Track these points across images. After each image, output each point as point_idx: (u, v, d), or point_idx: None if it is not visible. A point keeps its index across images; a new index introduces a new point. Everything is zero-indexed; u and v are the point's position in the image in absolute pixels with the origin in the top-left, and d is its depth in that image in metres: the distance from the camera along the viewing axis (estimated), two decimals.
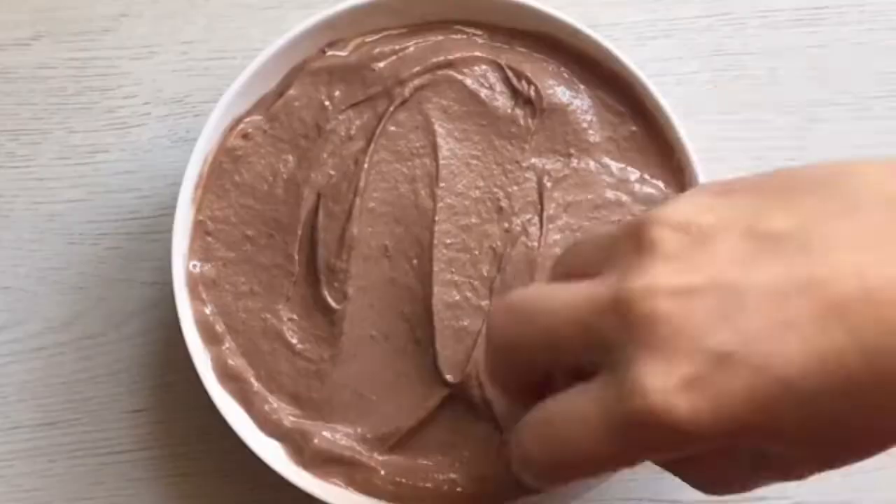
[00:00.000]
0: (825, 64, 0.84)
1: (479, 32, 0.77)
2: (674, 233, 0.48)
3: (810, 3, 0.84)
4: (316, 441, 0.73)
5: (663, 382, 0.44)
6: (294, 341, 0.74)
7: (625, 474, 0.73)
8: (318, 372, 0.74)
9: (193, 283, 0.74)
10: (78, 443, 0.80)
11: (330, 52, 0.76)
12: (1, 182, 0.82)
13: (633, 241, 0.49)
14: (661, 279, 0.46)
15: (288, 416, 0.74)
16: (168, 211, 0.77)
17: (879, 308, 0.44)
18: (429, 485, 0.73)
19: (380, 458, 0.74)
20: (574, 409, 0.49)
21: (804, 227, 0.46)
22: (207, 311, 0.74)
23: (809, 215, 0.46)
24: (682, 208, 0.49)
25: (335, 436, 0.74)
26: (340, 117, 0.75)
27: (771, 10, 0.84)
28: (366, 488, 0.73)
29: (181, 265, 0.73)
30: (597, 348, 0.48)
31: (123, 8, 0.83)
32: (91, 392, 0.80)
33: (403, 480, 0.73)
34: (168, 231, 0.72)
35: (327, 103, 0.75)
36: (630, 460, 0.49)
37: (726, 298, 0.45)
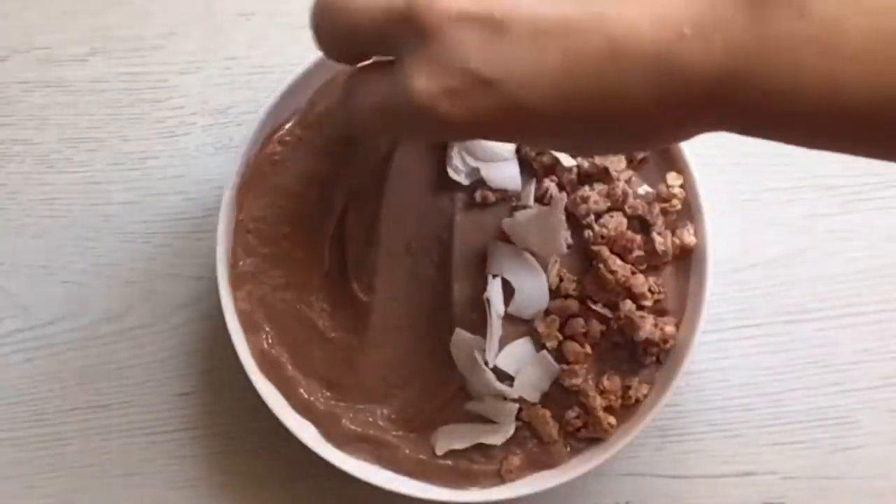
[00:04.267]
0: None
1: None
2: None
3: None
4: (345, 421, 0.76)
5: (428, 87, 0.50)
6: (326, 330, 0.77)
7: (625, 452, 0.76)
8: (348, 358, 0.77)
9: (235, 277, 0.76)
10: (130, 423, 0.83)
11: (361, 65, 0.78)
12: (61, 185, 0.84)
13: None
14: (444, 1, 0.50)
15: (320, 398, 0.77)
16: (212, 212, 0.81)
17: (619, 60, 0.49)
18: (448, 462, 0.77)
19: (404, 436, 0.77)
20: (368, 88, 0.56)
21: None
22: (247, 302, 0.77)
23: None
24: None
25: (363, 417, 0.77)
26: None
27: None
28: (391, 464, 0.76)
29: (224, 261, 0.76)
30: (388, 46, 0.53)
31: (172, 27, 0.86)
32: (142, 377, 0.83)
33: (424, 458, 0.77)
34: (212, 230, 0.76)
35: None
36: (393, 130, 0.63)
37: (493, 29, 0.50)
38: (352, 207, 0.77)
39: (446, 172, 0.76)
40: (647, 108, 0.50)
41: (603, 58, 0.49)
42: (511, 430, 0.76)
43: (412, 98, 0.51)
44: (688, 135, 0.53)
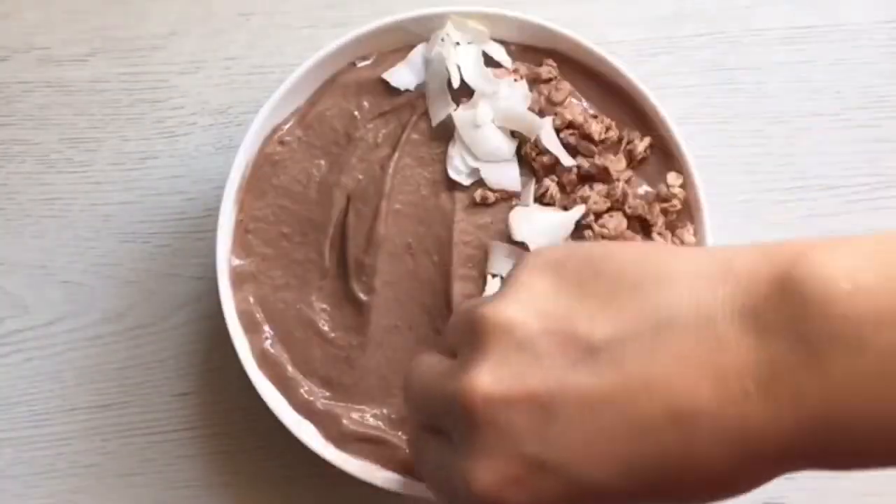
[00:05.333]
0: (812, 78, 0.86)
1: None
2: (501, 335, 0.50)
3: (799, 22, 0.86)
4: (345, 421, 0.76)
5: (489, 480, 0.49)
6: (326, 330, 0.77)
7: None
8: (348, 358, 0.77)
9: (235, 276, 0.76)
10: (130, 423, 0.83)
11: (360, 65, 0.78)
12: (61, 185, 0.85)
13: (468, 334, 0.52)
14: (486, 386, 0.49)
15: (320, 398, 0.77)
16: (212, 212, 0.81)
17: (681, 427, 0.46)
18: None
19: (403, 436, 0.76)
20: (433, 464, 0.55)
21: (619, 340, 0.48)
22: (248, 302, 0.77)
23: (625, 327, 0.48)
24: (511, 309, 0.51)
25: (363, 416, 0.77)
26: (368, 126, 0.78)
27: (762, 28, 0.86)
28: (391, 464, 0.76)
29: (224, 261, 0.75)
30: (445, 424, 0.53)
31: (172, 27, 0.86)
32: (142, 377, 0.83)
33: None
34: (212, 230, 0.75)
35: (356, 113, 0.78)
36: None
37: (541, 410, 0.48)
38: (352, 207, 0.77)
39: (446, 172, 0.77)
40: (719, 471, 0.47)
41: (661, 426, 0.47)
42: None
43: (469, 489, 0.50)
44: (763, 483, 0.50)
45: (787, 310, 0.45)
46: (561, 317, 0.50)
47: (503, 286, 0.54)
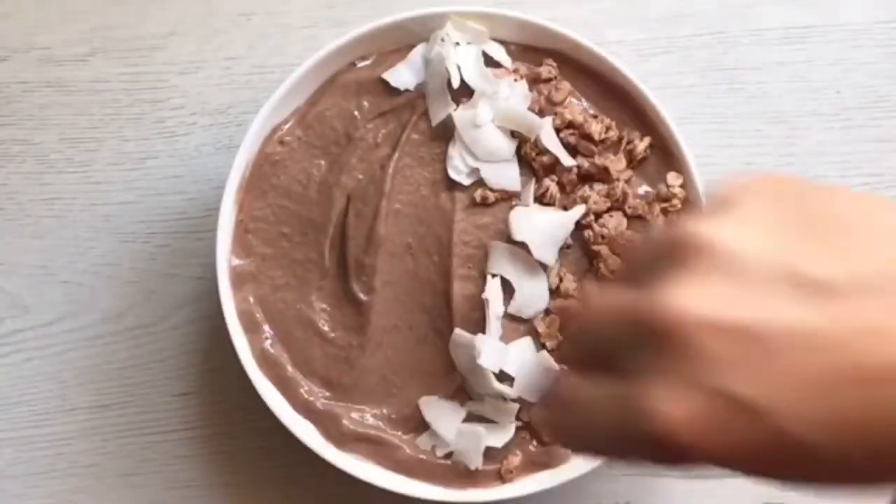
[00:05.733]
0: (811, 78, 0.86)
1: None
2: (710, 254, 0.43)
3: (797, 22, 0.86)
4: (345, 421, 0.76)
5: (672, 411, 0.41)
6: (326, 330, 0.77)
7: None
8: (348, 358, 0.77)
9: (235, 276, 0.76)
10: (129, 423, 0.83)
11: (360, 65, 0.78)
12: (60, 186, 0.85)
13: (669, 253, 0.44)
14: (690, 305, 0.42)
15: (320, 398, 0.77)
16: (212, 212, 0.80)
17: None
18: (448, 462, 0.76)
19: (403, 436, 0.77)
20: (592, 406, 0.45)
21: (852, 285, 0.41)
22: (247, 302, 0.77)
23: (858, 272, 0.42)
24: (725, 229, 0.44)
25: (363, 416, 0.77)
26: (368, 126, 0.78)
27: (761, 28, 0.86)
28: (391, 464, 0.76)
29: (224, 261, 0.76)
30: (621, 354, 0.44)
31: (172, 27, 0.86)
32: (141, 377, 0.83)
33: (424, 458, 0.77)
34: (212, 230, 0.76)
35: (356, 113, 0.78)
36: (629, 459, 0.46)
37: (753, 343, 0.41)
38: (352, 207, 0.77)
39: (447, 172, 0.77)
40: None
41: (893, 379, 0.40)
42: (511, 431, 0.76)
43: (650, 423, 0.41)
44: None
45: None
46: (779, 247, 0.43)
47: (710, 206, 0.47)
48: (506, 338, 0.76)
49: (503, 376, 0.75)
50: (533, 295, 0.76)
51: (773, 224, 0.44)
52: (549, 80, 0.78)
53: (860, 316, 0.41)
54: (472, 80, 0.77)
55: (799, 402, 0.40)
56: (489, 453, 0.77)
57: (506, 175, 0.76)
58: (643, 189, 0.78)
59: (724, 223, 0.44)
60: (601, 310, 0.46)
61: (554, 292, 0.76)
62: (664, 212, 0.76)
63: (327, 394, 0.77)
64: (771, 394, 0.40)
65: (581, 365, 0.48)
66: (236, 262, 0.77)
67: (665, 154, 0.77)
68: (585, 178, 0.77)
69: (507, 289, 0.76)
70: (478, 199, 0.76)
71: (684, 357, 0.41)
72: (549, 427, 0.48)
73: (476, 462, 0.76)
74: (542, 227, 0.75)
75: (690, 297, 0.42)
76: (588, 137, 0.76)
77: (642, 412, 0.41)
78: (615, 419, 0.43)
